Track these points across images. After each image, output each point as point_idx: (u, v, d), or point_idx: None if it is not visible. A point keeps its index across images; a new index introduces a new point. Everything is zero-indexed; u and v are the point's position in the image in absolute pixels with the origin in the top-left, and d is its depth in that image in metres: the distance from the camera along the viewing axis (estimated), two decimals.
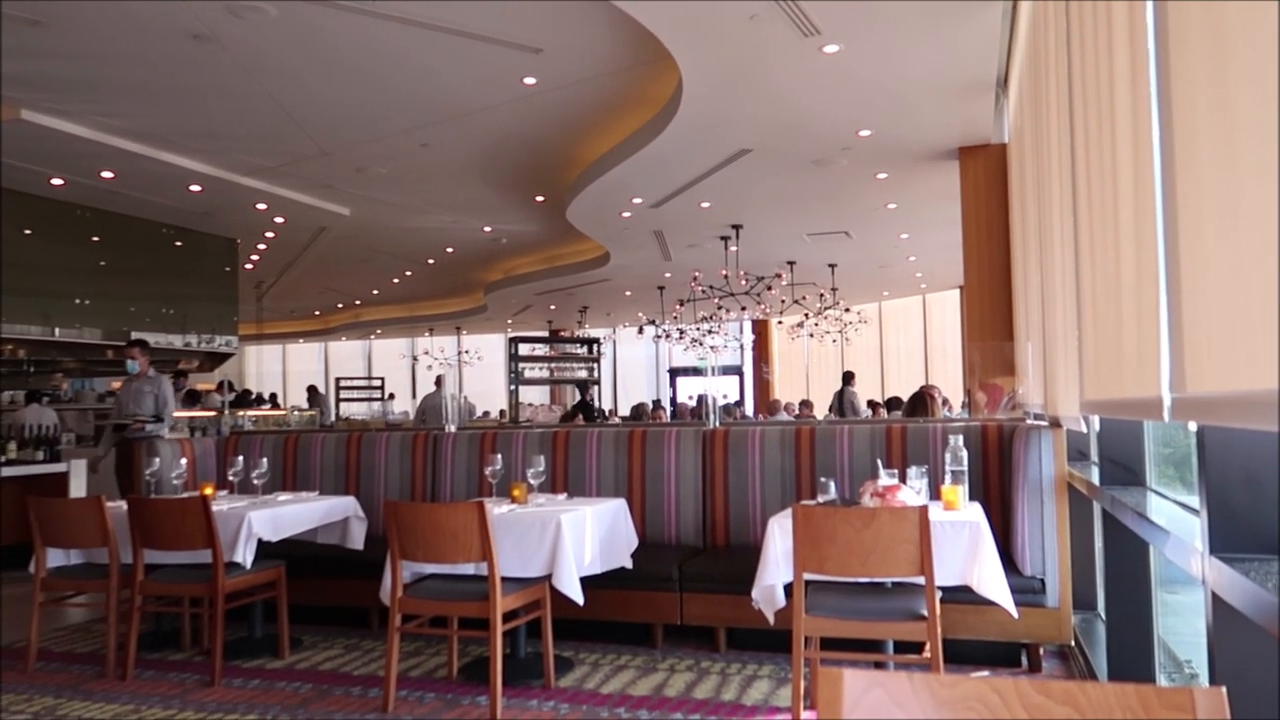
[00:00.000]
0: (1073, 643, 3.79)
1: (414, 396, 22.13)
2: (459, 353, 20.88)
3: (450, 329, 21.04)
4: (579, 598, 3.53)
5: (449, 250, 13.08)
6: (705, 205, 9.91)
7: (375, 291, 17.17)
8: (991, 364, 6.80)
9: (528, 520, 3.61)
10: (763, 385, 20.32)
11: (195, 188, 9.03)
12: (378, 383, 20.44)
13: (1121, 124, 2.08)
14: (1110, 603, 3.14)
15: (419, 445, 5.21)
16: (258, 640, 4.41)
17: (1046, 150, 3.78)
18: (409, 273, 14.88)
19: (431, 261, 13.89)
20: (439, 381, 13.79)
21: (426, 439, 5.23)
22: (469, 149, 8.28)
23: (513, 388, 13.25)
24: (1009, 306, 6.82)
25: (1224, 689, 0.99)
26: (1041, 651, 3.81)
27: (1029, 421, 4.16)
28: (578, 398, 12.24)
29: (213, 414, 10.72)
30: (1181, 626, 3.07)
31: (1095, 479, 3.26)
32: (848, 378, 13.22)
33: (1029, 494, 3.81)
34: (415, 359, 22.10)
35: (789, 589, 3.10)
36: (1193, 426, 1.88)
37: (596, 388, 14.52)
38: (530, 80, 6.55)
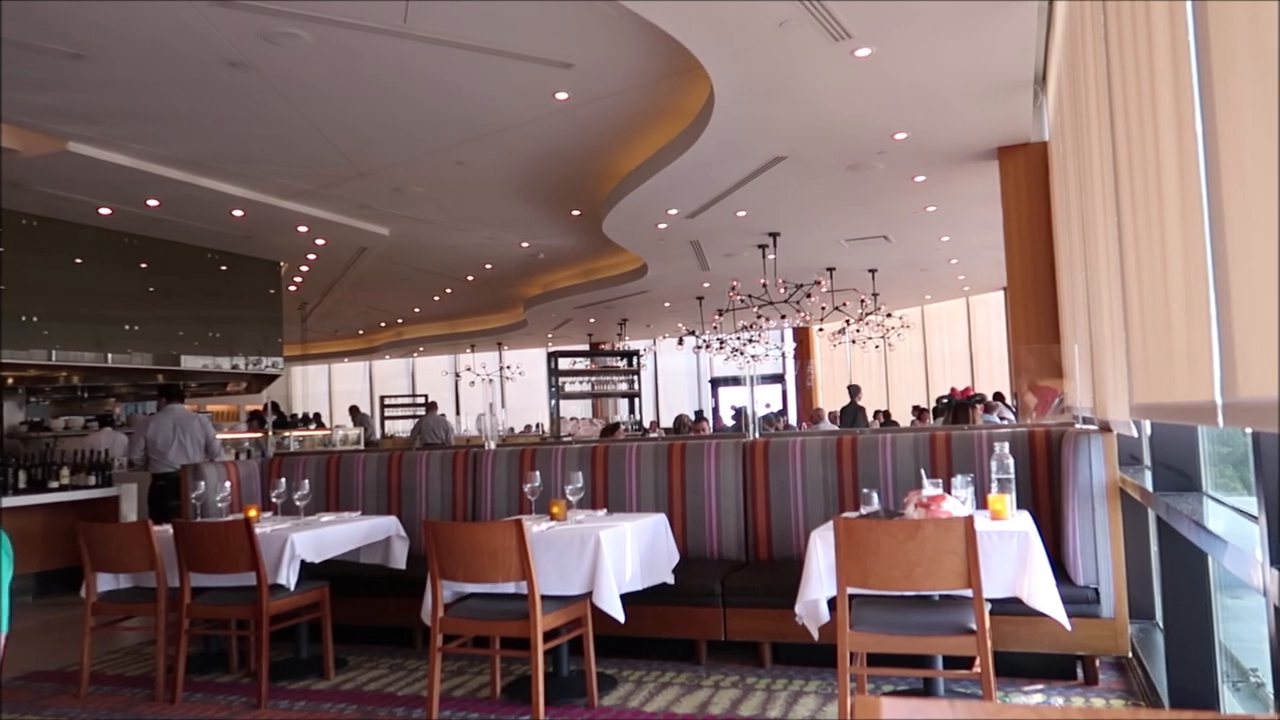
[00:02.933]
0: (1130, 654, 3.67)
1: (458, 413, 22.28)
2: (500, 368, 20.99)
3: (491, 345, 21.17)
4: (620, 615, 3.50)
5: (488, 266, 13.16)
6: (741, 214, 9.86)
7: (417, 309, 17.33)
8: (1039, 366, 6.65)
9: (567, 538, 3.58)
10: (805, 393, 20.16)
11: (238, 212, 9.18)
12: (421, 400, 20.62)
13: (1164, 120, 2.01)
14: (1168, 612, 3.04)
15: (459, 463, 5.22)
16: (303, 661, 4.44)
17: (1087, 148, 3.69)
18: (449, 290, 15.00)
19: (471, 278, 13.99)
20: (431, 406, 14.13)
21: (466, 457, 5.23)
22: (504, 165, 8.32)
23: (553, 402, 13.26)
24: (1055, 308, 6.68)
25: None
26: (1098, 663, 3.69)
27: (1078, 426, 4.05)
28: (619, 411, 12.23)
29: (258, 435, 10.87)
30: (1245, 632, 2.95)
31: (1149, 485, 3.16)
32: (854, 391, 13.08)
33: (1079, 501, 3.70)
34: (458, 375, 22.26)
35: (833, 603, 3.04)
36: (1248, 430, 1.81)
37: (637, 400, 14.49)
38: (562, 95, 6.57)
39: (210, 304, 11.01)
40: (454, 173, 8.39)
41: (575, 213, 10.21)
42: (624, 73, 6.29)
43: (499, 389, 20.56)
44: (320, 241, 10.67)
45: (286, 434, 12.91)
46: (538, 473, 4.30)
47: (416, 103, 6.60)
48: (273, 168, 8.06)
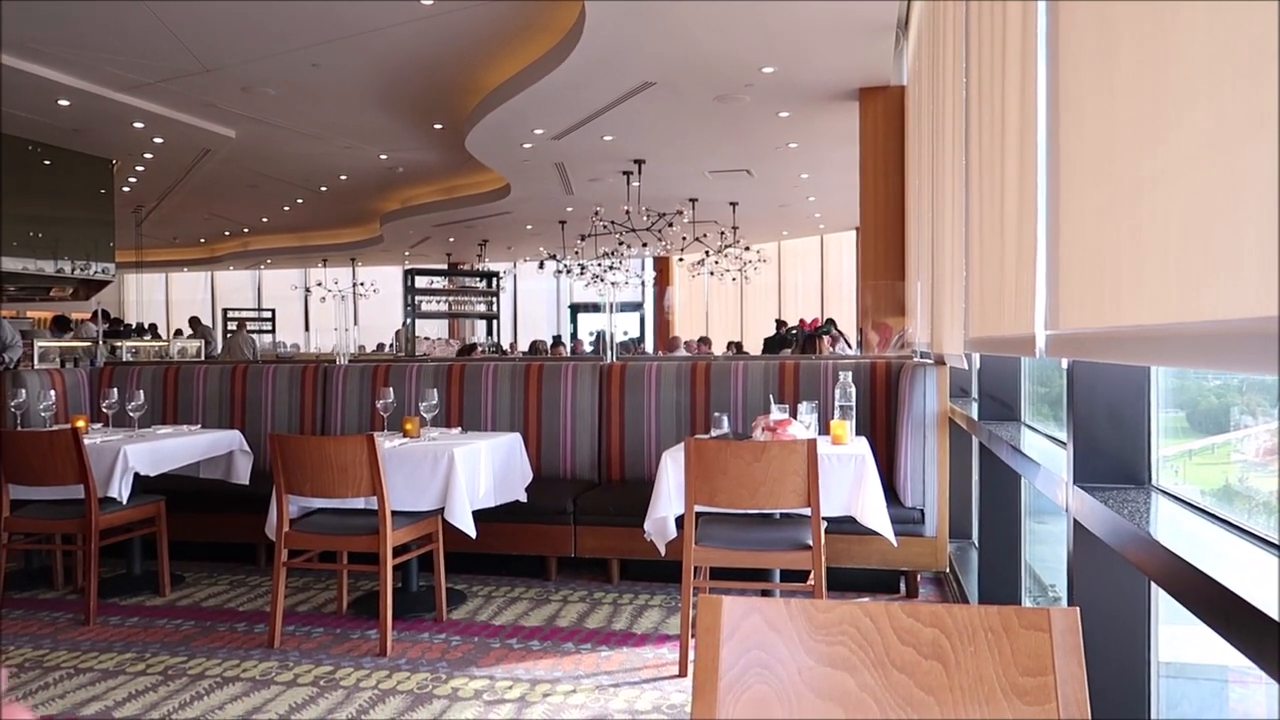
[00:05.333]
0: (948, 570, 3.97)
1: (307, 329, 21.50)
2: (354, 285, 20.30)
3: (345, 260, 20.43)
4: (472, 531, 3.52)
5: (343, 178, 12.62)
6: (608, 139, 9.79)
7: (265, 219, 16.50)
8: (884, 303, 6.97)
9: (419, 454, 3.56)
10: (663, 322, 20.44)
11: (64, 102, 8.44)
12: (268, 314, 19.78)
13: (1011, 71, 2.11)
14: (983, 532, 3.30)
15: (308, 379, 5.07)
16: (137, 578, 4.27)
17: (942, 94, 3.84)
18: (300, 200, 14.33)
19: (324, 189, 13.40)
20: (240, 324, 13.83)
21: (316, 372, 5.08)
22: (363, 72, 7.94)
23: (408, 321, 12.98)
24: (902, 248, 6.98)
25: (1078, 609, 1.04)
26: (919, 578, 3.99)
27: (915, 359, 4.29)
28: (477, 333, 12.09)
29: (86, 344, 10.20)
30: (1048, 554, 3.25)
31: (975, 414, 3.39)
32: (780, 324, 13.52)
33: (913, 429, 3.94)
34: (308, 290, 21.40)
35: (680, 521, 3.15)
36: (1065, 363, 1.96)
37: (496, 322, 14.35)
38: (427, 1, 6.30)
39: (32, 201, 10.14)
40: (309, 75, 7.96)
41: (438, 126, 9.89)
42: None
43: (351, 306, 19.89)
44: (158, 140, 9.96)
45: (118, 344, 12.15)
46: (391, 389, 4.22)
47: None
48: (105, 56, 7.42)
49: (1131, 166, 1.22)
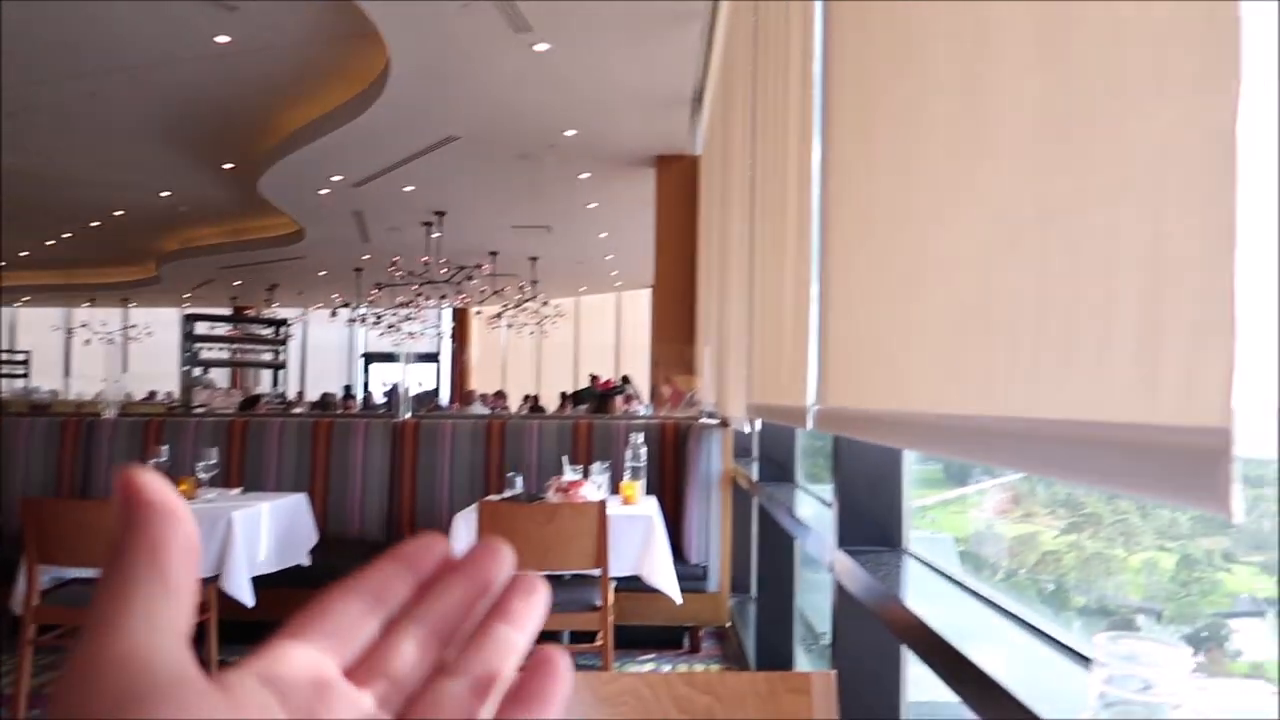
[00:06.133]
0: (729, 624, 4.14)
1: (67, 374, 19.68)
2: (125, 327, 18.79)
3: (116, 300, 18.87)
4: (249, 600, 3.34)
5: (118, 214, 11.74)
6: (409, 189, 9.68)
7: (23, 253, 15.02)
8: (675, 364, 7.23)
9: (196, 517, 3.34)
10: (459, 374, 20.19)
11: None
12: (21, 357, 17.94)
13: (792, 153, 2.30)
14: (761, 588, 3.48)
15: (69, 433, 4.65)
16: None
17: (731, 165, 4.10)
18: (67, 235, 13.18)
19: (96, 224, 12.40)
20: None
21: (79, 426, 4.67)
22: (148, 104, 7.48)
23: (186, 369, 12.16)
24: (693, 311, 7.29)
25: (834, 674, 1.14)
26: (701, 633, 4.13)
27: (703, 420, 4.48)
28: (261, 383, 11.49)
29: None
30: (821, 602, 3.46)
31: (755, 475, 3.59)
32: (593, 379, 13.57)
33: (699, 488, 4.11)
34: (70, 332, 19.59)
35: None
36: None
37: (283, 372, 13.69)
38: (223, 39, 6.05)
39: None
40: (85, 104, 7.41)
41: (228, 166, 9.43)
42: (297, 25, 5.94)
43: (121, 351, 18.39)
44: None
45: None
46: (166, 447, 3.95)
47: (44, 18, 5.75)
48: None
49: (888, 269, 1.38)
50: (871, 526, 1.90)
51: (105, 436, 4.63)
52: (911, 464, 1.97)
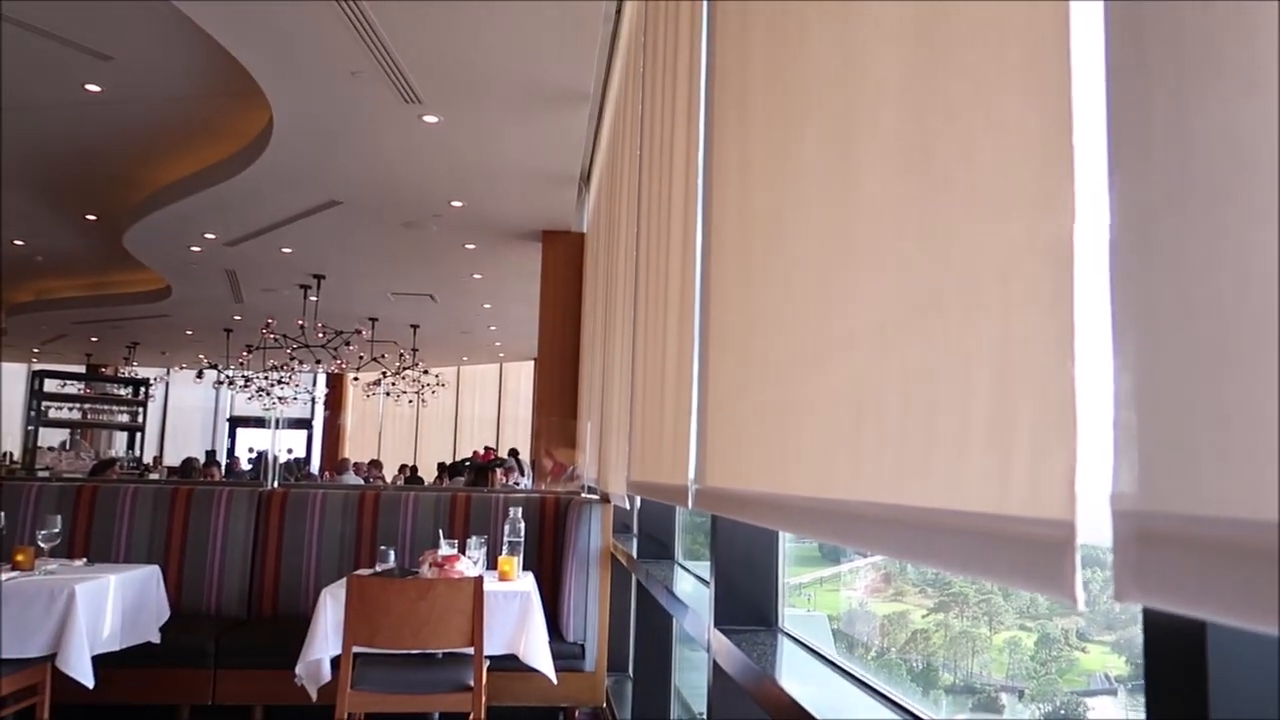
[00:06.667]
0: (605, 704, 4.08)
1: None
2: None
3: None
4: (89, 681, 3.11)
5: None
6: (286, 250, 9.45)
7: None
8: (557, 437, 7.20)
9: (32, 590, 3.12)
10: (333, 441, 19.54)
11: None
12: None
13: (675, 237, 2.37)
14: (638, 666, 3.45)
15: None
16: None
17: (615, 245, 4.18)
18: None
19: None
20: None
21: None
22: (5, 148, 7.12)
23: (31, 429, 11.39)
24: (576, 384, 7.31)
25: None
26: (577, 714, 4.05)
27: (583, 495, 4.47)
28: (115, 445, 10.84)
29: None
30: (699, 680, 3.46)
31: (635, 552, 3.58)
32: (488, 452, 13.29)
33: (577, 564, 4.08)
34: None
35: (337, 662, 3.00)
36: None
37: (141, 434, 12.97)
38: (94, 87, 5.85)
39: None
40: None
41: (91, 217, 9.03)
42: (174, 80, 5.79)
43: None
44: None
45: None
46: (2, 513, 3.67)
47: None
48: None
49: (766, 354, 1.43)
50: (748, 606, 1.93)
51: None
52: (788, 543, 2.02)
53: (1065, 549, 0.61)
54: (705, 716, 1.92)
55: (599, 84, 5.39)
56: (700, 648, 3.42)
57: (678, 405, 2.21)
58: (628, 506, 3.80)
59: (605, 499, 4.18)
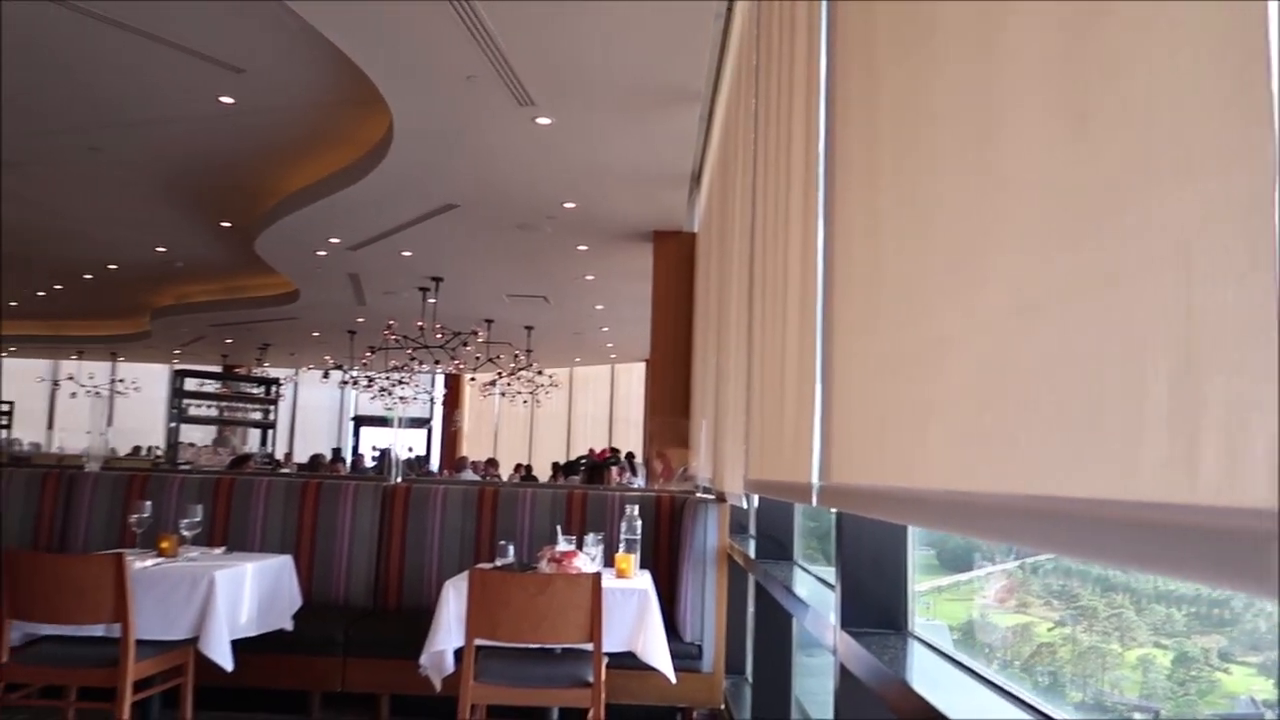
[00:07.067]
0: (723, 706, 4.03)
1: (50, 426, 19.48)
2: (112, 381, 18.69)
3: (105, 354, 18.81)
4: (228, 664, 3.25)
5: (112, 267, 11.78)
6: (406, 254, 9.74)
7: (13, 303, 15.02)
8: (669, 437, 7.19)
9: (175, 576, 3.27)
10: (451, 440, 20.07)
11: None
12: (4, 408, 17.78)
13: (794, 237, 2.32)
14: (757, 668, 3.40)
15: (49, 486, 4.58)
16: None
17: (729, 244, 4.13)
18: (59, 286, 13.20)
19: (89, 277, 12.42)
20: None
21: (60, 479, 4.61)
22: (148, 160, 7.56)
23: (173, 425, 12.07)
24: (688, 384, 7.29)
25: None
26: (695, 714, 4.02)
27: (698, 495, 4.44)
28: (249, 442, 11.39)
29: None
30: (816, 687, 3.38)
31: (752, 552, 3.53)
32: (592, 453, 13.49)
33: (693, 564, 4.05)
34: (57, 384, 19.47)
35: (459, 654, 3.05)
36: (834, 510, 2.11)
37: (272, 431, 13.59)
38: (228, 99, 6.15)
39: None
40: (85, 158, 7.49)
41: (225, 224, 9.50)
42: (302, 90, 6.04)
43: (107, 405, 18.26)
44: None
45: None
46: (149, 503, 3.88)
47: (51, 74, 5.85)
48: None
49: (898, 345, 1.37)
50: (875, 608, 1.86)
51: (87, 490, 4.56)
52: (915, 546, 1.94)
53: (1268, 541, 0.55)
54: (834, 715, 1.86)
55: (710, 82, 5.36)
56: (816, 652, 3.36)
57: (799, 402, 2.16)
58: (745, 505, 3.75)
59: (721, 498, 4.14)
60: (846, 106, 1.81)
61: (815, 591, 2.61)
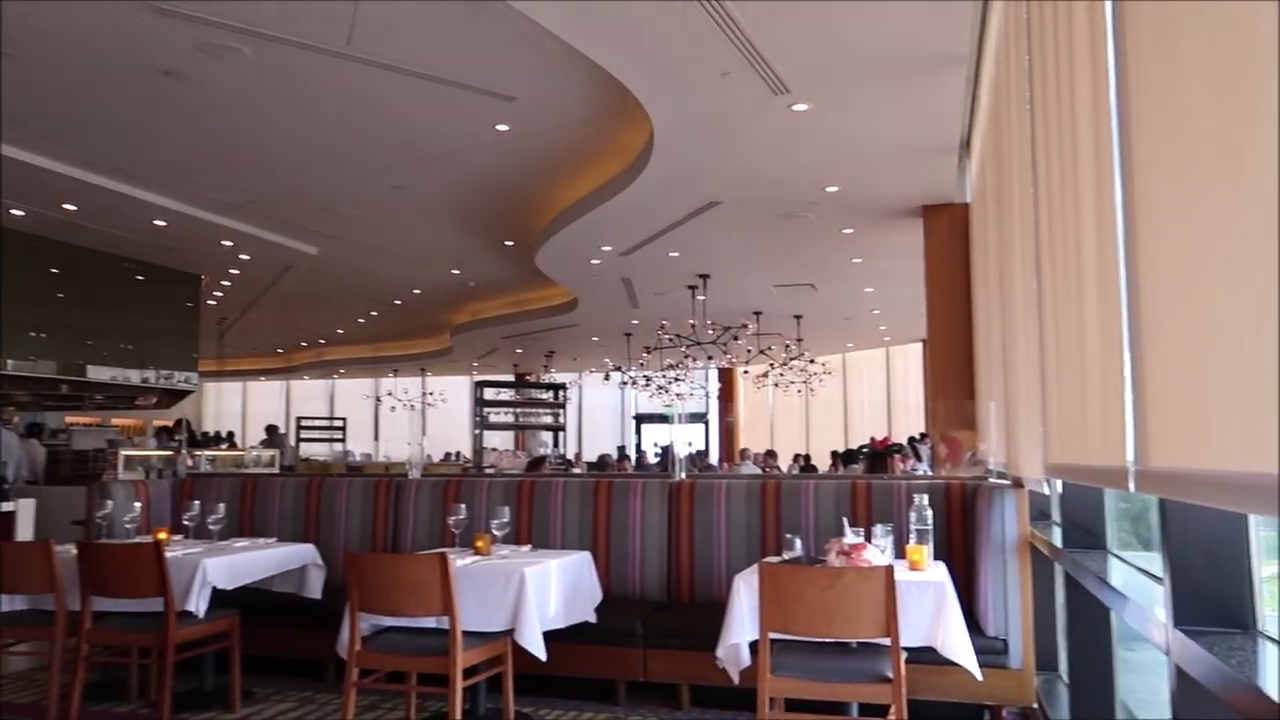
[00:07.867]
0: (1035, 704, 3.79)
1: (376, 438, 21.88)
2: (423, 395, 20.72)
3: (415, 370, 20.91)
4: (542, 653, 3.48)
5: (416, 292, 13.04)
6: (674, 255, 9.99)
7: (340, 330, 17.04)
8: (954, 420, 6.86)
9: (491, 573, 3.56)
10: (728, 433, 20.35)
11: (159, 222, 8.94)
12: (339, 423, 20.20)
13: (1085, 195, 2.12)
14: (1072, 664, 3.15)
15: (381, 492, 5.14)
16: (208, 693, 4.29)
17: (1008, 214, 3.86)
18: (375, 313, 14.80)
19: (398, 302, 13.84)
20: (272, 429, 14.16)
21: (389, 486, 5.16)
22: (440, 192, 8.30)
23: (477, 432, 13.16)
24: (971, 363, 6.91)
25: None
26: (1005, 713, 3.80)
27: (991, 481, 4.19)
28: (542, 444, 12.19)
29: (168, 453, 10.52)
30: (1139, 684, 3.08)
31: (1057, 541, 3.29)
32: (872, 442, 13.34)
33: (992, 554, 3.83)
34: (379, 400, 21.89)
35: (754, 647, 3.08)
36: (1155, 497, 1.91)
37: (562, 433, 14.46)
38: (503, 127, 6.60)
39: (123, 314, 10.66)
40: (390, 196, 8.34)
41: (509, 243, 10.22)
42: (567, 109, 6.36)
43: (421, 416, 20.25)
44: (244, 256, 10.45)
45: (198, 453, 12.50)
46: (463, 505, 4.25)
47: (355, 125, 6.56)
48: (200, 179, 7.90)
49: (1220, 300, 1.22)
50: (1213, 604, 1.67)
51: (411, 495, 5.07)
52: (1260, 532, 1.72)
53: None
54: None
55: (974, 43, 5.04)
56: (1136, 646, 3.06)
57: (1104, 379, 1.97)
58: (1045, 491, 3.49)
59: (1018, 483, 3.89)
60: (1141, 49, 1.62)
61: (1133, 581, 2.38)
